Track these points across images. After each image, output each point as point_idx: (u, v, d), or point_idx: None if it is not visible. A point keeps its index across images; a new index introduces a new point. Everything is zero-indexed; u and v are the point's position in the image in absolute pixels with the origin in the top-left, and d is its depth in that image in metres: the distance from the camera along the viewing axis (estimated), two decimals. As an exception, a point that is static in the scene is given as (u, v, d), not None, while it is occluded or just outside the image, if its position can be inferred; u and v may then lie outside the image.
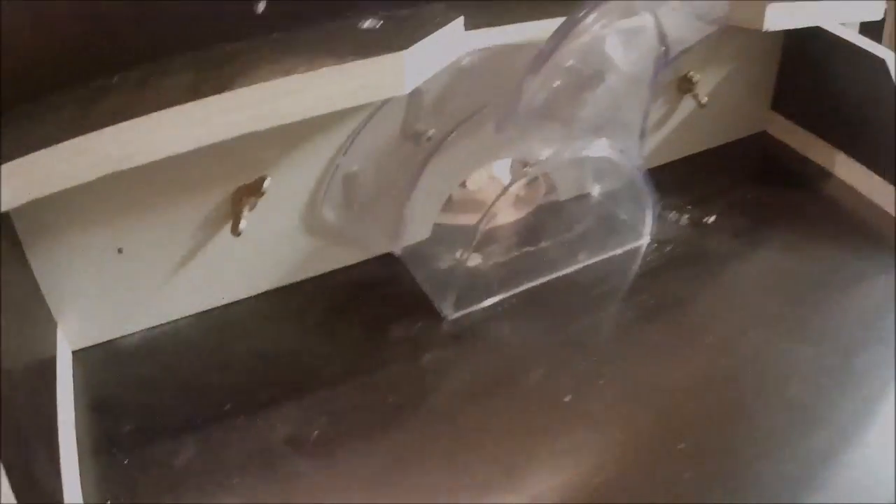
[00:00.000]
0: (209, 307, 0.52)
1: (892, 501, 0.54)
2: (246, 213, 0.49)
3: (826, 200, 0.67)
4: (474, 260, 0.53)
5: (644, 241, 0.57)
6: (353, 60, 0.44)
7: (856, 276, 0.59)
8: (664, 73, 0.55)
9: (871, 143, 0.70)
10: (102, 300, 0.50)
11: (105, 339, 0.52)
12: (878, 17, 0.78)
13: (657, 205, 0.57)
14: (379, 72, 0.45)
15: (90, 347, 0.51)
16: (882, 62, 0.65)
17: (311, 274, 0.54)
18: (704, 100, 0.64)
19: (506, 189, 0.50)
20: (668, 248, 0.57)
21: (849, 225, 0.65)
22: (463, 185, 0.57)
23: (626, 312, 0.52)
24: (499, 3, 0.54)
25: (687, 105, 0.67)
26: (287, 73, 0.43)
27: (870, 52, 0.66)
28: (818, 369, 0.49)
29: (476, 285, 0.52)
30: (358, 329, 0.51)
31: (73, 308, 0.50)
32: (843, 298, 0.57)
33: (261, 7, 0.49)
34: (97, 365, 0.51)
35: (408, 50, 0.45)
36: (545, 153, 0.51)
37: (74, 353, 0.51)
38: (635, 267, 0.55)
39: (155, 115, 0.41)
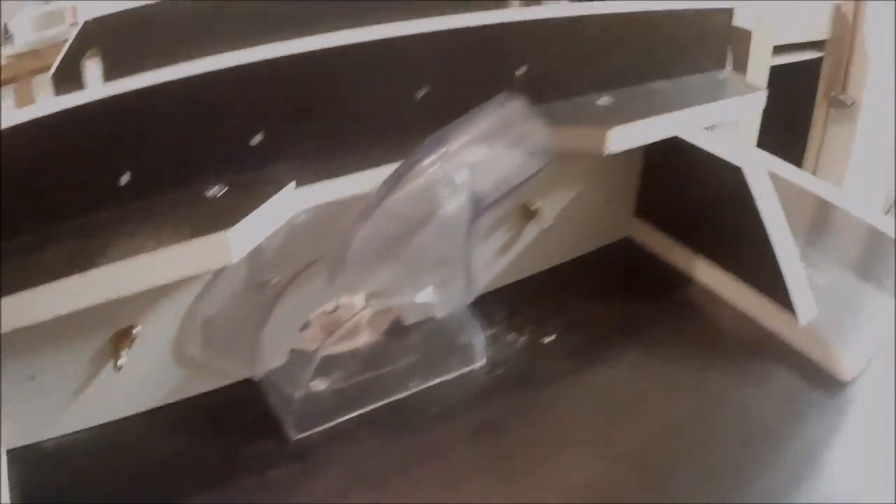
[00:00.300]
0: (106, 421, 0.64)
1: (893, 502, 0.58)
2: (125, 351, 0.60)
3: (685, 307, 0.71)
4: (320, 385, 0.62)
5: (478, 364, 0.64)
6: (188, 240, 0.53)
7: (698, 390, 0.63)
8: (492, 212, 0.61)
9: (732, 248, 0.72)
10: (24, 412, 0.63)
11: (30, 442, 0.64)
12: (759, 108, 0.78)
13: (500, 325, 0.63)
14: (209, 250, 0.54)
15: (20, 448, 0.64)
16: (738, 170, 0.67)
17: (184, 396, 0.64)
18: (547, 224, 0.69)
19: (340, 327, 0.58)
20: (500, 371, 0.63)
21: (704, 332, 0.69)
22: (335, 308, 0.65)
23: (448, 436, 0.60)
24: (338, 156, 0.61)
25: (536, 225, 0.71)
26: (137, 251, 0.53)
27: (726, 161, 0.68)
28: (636, 493, 0.55)
29: (319, 409, 0.61)
30: (219, 447, 0.61)
31: (5, 415, 0.63)
32: (678, 416, 0.61)
33: (124, 180, 0.58)
34: (24, 463, 0.63)
35: (232, 228, 0.54)
36: (375, 298, 0.58)
37: (9, 451, 0.65)
38: (466, 391, 0.62)
39: (38, 288, 0.52)
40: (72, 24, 2.25)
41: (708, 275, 0.74)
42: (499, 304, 0.66)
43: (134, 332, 0.59)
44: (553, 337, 0.66)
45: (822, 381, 0.65)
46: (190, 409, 0.63)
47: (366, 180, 0.61)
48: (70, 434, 0.64)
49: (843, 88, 2.16)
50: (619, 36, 0.73)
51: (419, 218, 0.60)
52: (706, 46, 0.77)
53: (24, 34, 2.06)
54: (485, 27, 0.63)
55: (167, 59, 0.58)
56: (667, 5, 0.76)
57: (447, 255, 0.61)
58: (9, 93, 2.24)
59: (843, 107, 2.11)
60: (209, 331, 0.61)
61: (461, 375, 0.63)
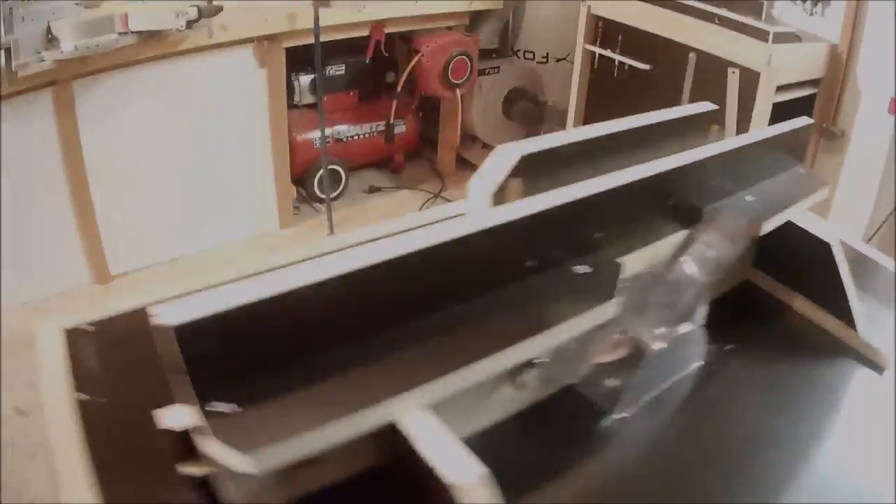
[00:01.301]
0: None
1: (893, 502, 0.79)
2: (523, 376, 1.02)
3: (785, 324, 1.26)
4: (613, 382, 1.07)
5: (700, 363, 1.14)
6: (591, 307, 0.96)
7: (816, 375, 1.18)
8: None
9: (820, 288, 1.26)
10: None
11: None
12: (824, 197, 1.33)
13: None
14: (602, 312, 0.98)
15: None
16: (827, 245, 1.20)
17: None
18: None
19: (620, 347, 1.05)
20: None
21: (808, 346, 1.22)
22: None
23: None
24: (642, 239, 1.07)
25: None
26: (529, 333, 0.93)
27: (818, 238, 1.21)
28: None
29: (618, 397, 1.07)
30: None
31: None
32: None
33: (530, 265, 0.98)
34: None
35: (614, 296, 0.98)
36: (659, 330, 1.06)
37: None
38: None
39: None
40: (121, 33, 2.26)
41: (801, 305, 1.30)
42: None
43: (535, 362, 1.01)
44: (732, 346, 1.17)
45: (872, 367, 1.21)
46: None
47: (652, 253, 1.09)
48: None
49: (834, 120, 2.56)
50: (752, 154, 1.24)
51: (684, 283, 1.08)
52: (795, 151, 1.31)
53: (69, 40, 2.08)
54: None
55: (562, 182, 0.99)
56: (776, 129, 1.28)
57: (687, 304, 1.09)
58: (46, 96, 2.26)
59: (835, 137, 2.53)
60: (561, 355, 1.04)
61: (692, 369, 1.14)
